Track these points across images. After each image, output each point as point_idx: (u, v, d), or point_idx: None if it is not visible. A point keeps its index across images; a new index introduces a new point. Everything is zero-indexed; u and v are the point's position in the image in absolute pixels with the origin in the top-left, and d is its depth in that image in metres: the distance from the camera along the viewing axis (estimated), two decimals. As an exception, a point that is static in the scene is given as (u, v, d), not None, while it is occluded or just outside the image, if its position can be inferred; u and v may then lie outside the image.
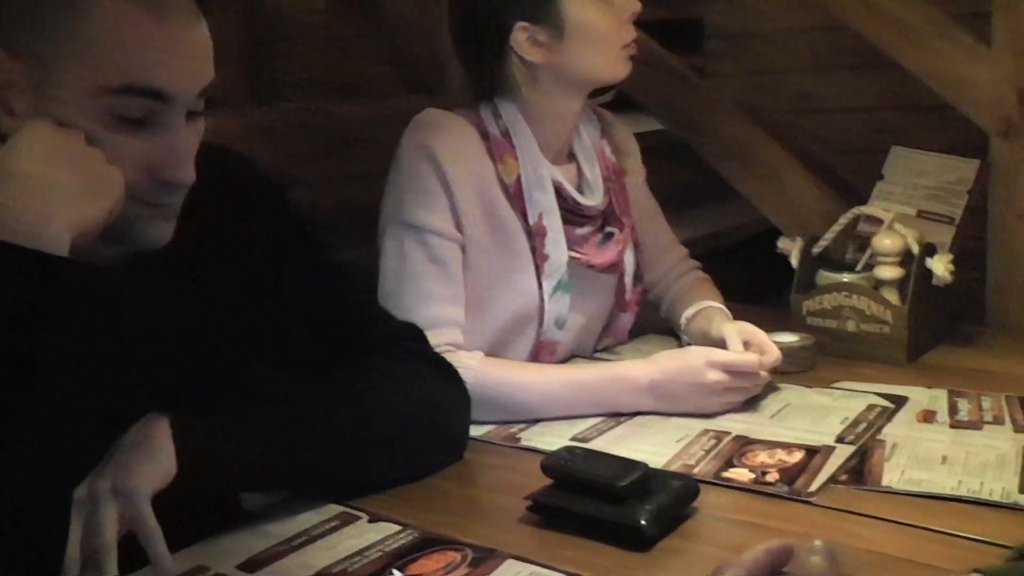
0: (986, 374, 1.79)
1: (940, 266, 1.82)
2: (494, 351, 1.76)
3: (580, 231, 1.84)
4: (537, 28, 1.72)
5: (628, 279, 1.93)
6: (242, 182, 1.38)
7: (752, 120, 2.56)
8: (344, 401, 1.33)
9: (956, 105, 2.04)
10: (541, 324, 1.79)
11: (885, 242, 1.87)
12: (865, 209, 1.98)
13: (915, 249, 1.85)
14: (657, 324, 2.09)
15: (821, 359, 1.84)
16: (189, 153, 1.17)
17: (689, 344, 1.89)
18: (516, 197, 1.76)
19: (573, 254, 1.81)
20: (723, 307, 1.92)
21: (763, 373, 1.65)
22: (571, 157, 1.89)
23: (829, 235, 1.98)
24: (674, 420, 1.60)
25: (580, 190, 1.85)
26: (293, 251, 1.40)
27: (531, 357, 1.81)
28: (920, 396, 1.66)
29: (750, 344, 1.69)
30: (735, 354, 1.65)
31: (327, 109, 2.54)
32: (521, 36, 1.72)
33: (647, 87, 2.52)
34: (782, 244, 2.00)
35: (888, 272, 1.88)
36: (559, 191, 1.79)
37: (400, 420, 1.37)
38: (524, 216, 1.76)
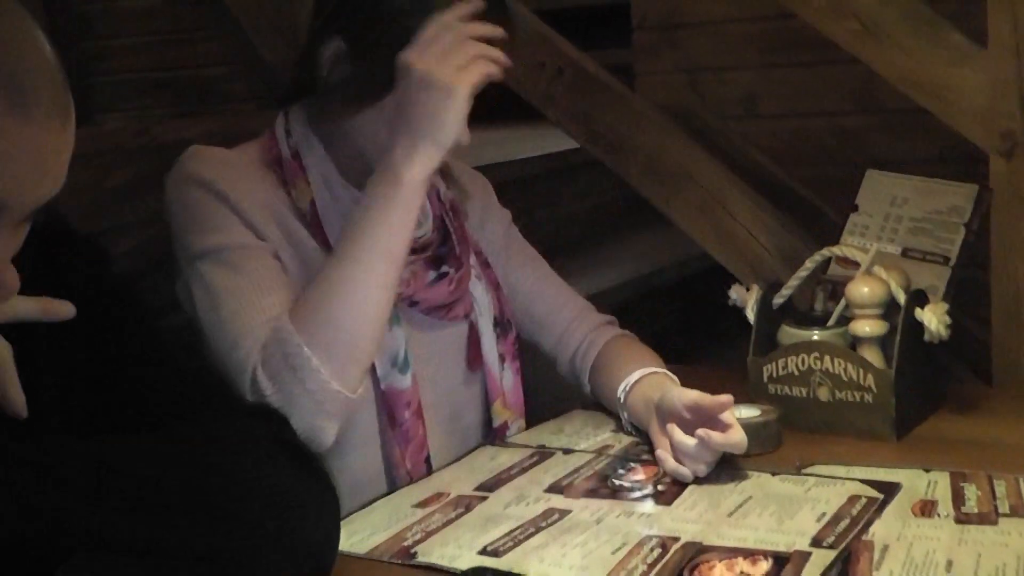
0: (996, 448, 1.78)
1: (934, 319, 1.81)
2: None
3: None
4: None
5: (485, 323, 1.94)
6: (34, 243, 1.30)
7: (687, 131, 2.54)
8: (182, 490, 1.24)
9: (944, 118, 2.02)
10: (374, 368, 1.77)
11: (863, 290, 1.86)
12: (836, 249, 1.97)
13: (900, 298, 1.84)
14: (583, 398, 2.08)
15: (788, 436, 1.83)
16: (4, 260, 1.14)
17: (630, 422, 1.89)
18: (314, 224, 1.79)
19: None
20: (668, 372, 1.91)
21: (715, 437, 1.63)
22: None
23: (793, 282, 1.98)
24: (607, 523, 1.57)
25: None
26: (87, 329, 1.32)
27: (384, 418, 1.80)
28: (915, 481, 1.64)
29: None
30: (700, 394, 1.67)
31: (152, 129, 2.48)
32: (334, 52, 1.74)
33: (557, 97, 2.49)
34: (735, 293, 2.00)
35: (868, 327, 1.86)
36: None
37: (233, 518, 1.26)
38: (327, 244, 1.77)
